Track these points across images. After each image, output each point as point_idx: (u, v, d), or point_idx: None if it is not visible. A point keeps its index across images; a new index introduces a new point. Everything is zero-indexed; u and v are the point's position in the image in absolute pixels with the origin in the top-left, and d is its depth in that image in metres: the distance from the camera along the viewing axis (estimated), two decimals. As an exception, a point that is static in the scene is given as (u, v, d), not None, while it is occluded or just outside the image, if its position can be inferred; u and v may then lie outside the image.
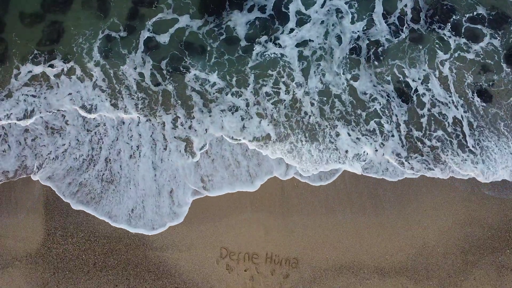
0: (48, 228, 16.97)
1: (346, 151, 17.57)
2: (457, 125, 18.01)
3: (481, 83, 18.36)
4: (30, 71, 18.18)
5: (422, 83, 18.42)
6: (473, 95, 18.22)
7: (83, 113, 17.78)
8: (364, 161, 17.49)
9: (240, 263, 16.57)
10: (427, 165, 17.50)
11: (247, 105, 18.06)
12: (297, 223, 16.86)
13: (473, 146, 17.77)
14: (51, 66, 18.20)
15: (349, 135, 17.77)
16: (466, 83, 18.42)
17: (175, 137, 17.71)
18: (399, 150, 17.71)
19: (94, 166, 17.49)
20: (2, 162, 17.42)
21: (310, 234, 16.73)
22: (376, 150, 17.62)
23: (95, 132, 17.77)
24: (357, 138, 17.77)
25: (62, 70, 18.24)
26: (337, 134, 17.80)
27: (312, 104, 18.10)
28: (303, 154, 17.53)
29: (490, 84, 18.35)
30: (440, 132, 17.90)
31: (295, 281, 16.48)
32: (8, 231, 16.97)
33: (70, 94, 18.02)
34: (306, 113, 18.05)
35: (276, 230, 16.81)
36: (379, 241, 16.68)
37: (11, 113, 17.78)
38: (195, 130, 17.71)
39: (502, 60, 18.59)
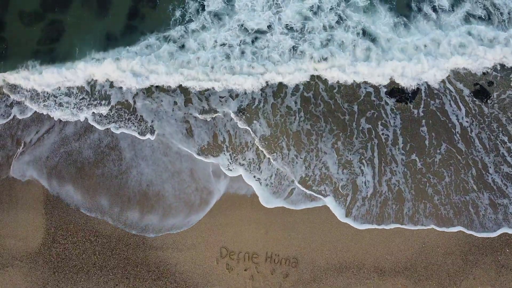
0: (48, 228, 16.96)
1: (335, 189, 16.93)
2: (471, 148, 17.10)
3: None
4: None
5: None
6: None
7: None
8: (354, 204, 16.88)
9: (240, 262, 16.57)
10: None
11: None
12: (297, 223, 16.85)
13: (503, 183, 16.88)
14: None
15: (339, 159, 17.08)
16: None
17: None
18: (402, 189, 16.90)
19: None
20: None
21: (310, 234, 16.74)
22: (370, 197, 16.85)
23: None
24: (346, 163, 17.08)
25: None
26: (325, 153, 17.20)
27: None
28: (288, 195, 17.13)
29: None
30: (444, 146, 17.22)
31: (295, 280, 16.49)
32: (8, 230, 16.96)
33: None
34: (290, 108, 17.44)
35: (276, 229, 16.81)
36: (379, 241, 16.68)
37: None
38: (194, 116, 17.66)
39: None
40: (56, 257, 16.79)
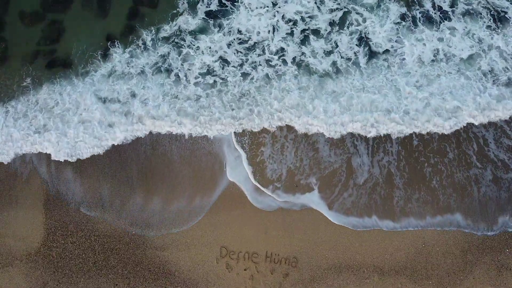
0: (48, 227, 16.97)
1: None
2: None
3: None
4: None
5: None
6: None
7: None
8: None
9: (240, 262, 16.57)
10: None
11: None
12: (297, 222, 16.86)
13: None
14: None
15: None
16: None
17: None
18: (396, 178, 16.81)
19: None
20: None
21: (310, 234, 16.74)
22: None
23: None
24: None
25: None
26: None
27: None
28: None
29: None
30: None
31: (295, 280, 16.49)
32: (8, 230, 16.97)
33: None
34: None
35: (276, 229, 16.81)
36: (378, 240, 16.69)
37: None
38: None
39: None
40: (56, 257, 16.79)
